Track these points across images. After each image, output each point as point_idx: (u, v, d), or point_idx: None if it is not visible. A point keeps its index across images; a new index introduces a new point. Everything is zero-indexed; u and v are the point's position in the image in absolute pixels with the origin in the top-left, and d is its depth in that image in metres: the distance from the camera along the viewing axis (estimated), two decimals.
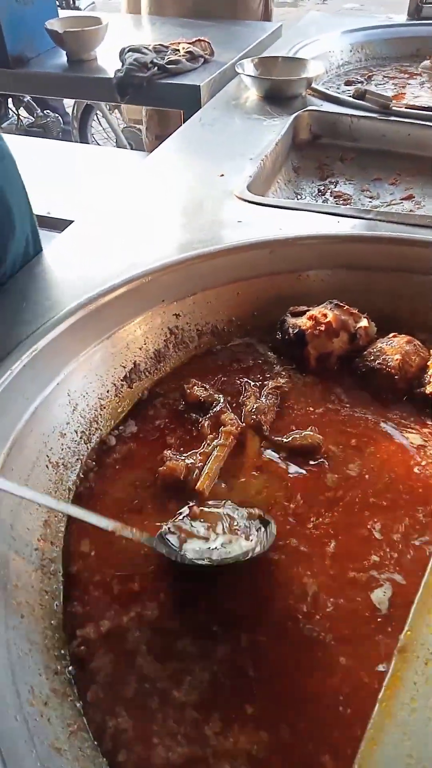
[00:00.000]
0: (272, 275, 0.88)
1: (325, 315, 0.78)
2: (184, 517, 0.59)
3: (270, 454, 0.69)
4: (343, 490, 0.64)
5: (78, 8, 3.53)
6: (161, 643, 0.52)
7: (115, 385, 0.75)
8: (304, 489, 0.64)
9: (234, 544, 0.55)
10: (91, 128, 3.25)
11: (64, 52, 1.75)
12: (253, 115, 1.35)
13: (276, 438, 0.70)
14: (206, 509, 0.60)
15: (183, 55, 1.64)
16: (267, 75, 1.46)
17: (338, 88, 1.61)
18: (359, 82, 1.66)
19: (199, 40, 1.70)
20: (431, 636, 0.39)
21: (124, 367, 0.77)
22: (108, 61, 1.73)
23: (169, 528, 0.57)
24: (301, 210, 0.98)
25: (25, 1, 1.70)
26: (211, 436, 0.70)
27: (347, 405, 0.75)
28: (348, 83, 1.66)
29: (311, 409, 0.75)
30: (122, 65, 1.61)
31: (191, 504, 0.60)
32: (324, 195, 1.22)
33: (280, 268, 0.88)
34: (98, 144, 3.44)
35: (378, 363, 0.76)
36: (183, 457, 0.67)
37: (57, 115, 3.47)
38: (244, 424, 0.70)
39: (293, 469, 0.67)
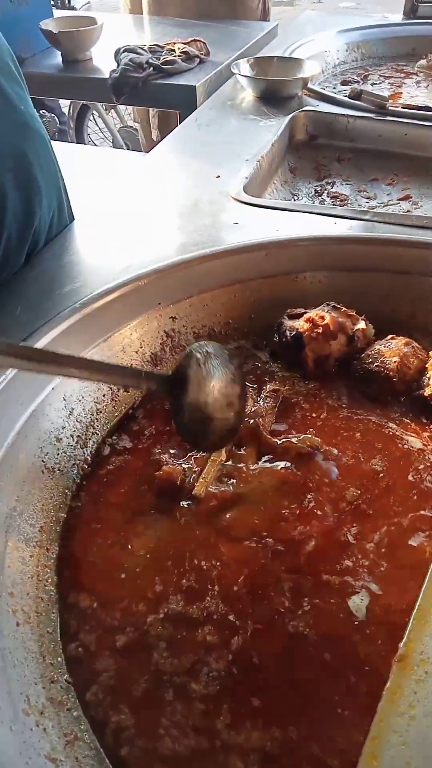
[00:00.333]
0: (269, 277, 0.87)
1: (322, 317, 0.77)
2: None
3: (272, 459, 0.68)
4: (336, 493, 0.64)
5: (73, 8, 3.52)
6: (162, 640, 0.52)
7: (111, 389, 0.75)
8: (300, 495, 0.64)
9: None
10: (87, 128, 3.24)
11: (59, 53, 1.75)
12: (249, 116, 1.35)
13: (274, 440, 0.69)
14: None
15: (178, 56, 1.63)
16: (263, 75, 1.45)
17: (334, 88, 1.61)
18: (355, 82, 1.66)
19: (195, 40, 1.70)
20: (429, 645, 0.39)
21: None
22: (103, 61, 1.72)
23: None
24: (297, 211, 0.97)
25: (19, 1, 1.69)
26: None
27: (345, 407, 0.75)
28: (344, 83, 1.65)
29: (309, 412, 0.74)
30: (117, 65, 1.61)
31: None
32: (321, 196, 1.22)
33: (276, 270, 0.88)
34: (95, 144, 3.44)
35: (376, 365, 0.75)
36: (179, 462, 0.67)
37: (53, 115, 3.46)
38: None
39: (291, 473, 0.66)
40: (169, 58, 1.62)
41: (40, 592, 0.56)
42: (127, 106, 2.57)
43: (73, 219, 0.99)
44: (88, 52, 1.74)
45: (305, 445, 0.68)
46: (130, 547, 0.60)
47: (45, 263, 0.88)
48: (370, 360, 0.77)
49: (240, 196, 1.01)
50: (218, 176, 1.08)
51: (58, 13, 1.98)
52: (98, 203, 1.04)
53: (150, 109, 2.04)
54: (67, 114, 3.23)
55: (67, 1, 3.62)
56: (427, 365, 0.76)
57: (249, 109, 1.38)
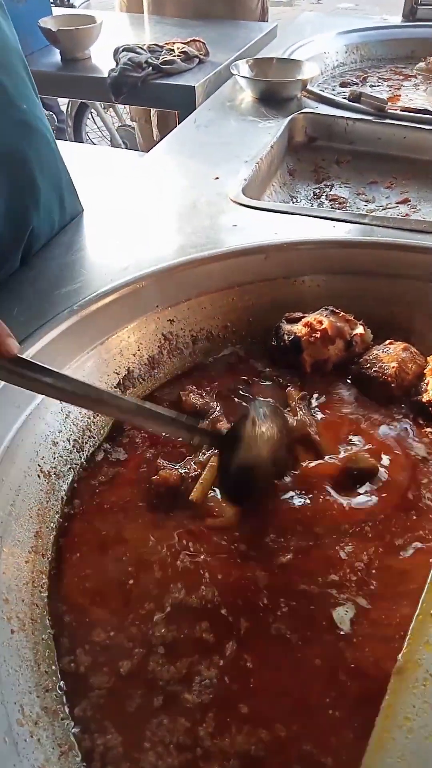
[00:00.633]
0: (267, 281, 0.87)
1: (320, 322, 0.77)
2: None
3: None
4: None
5: (72, 6, 3.50)
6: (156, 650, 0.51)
7: None
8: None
9: None
10: (85, 127, 3.23)
11: (58, 51, 1.73)
12: (248, 117, 1.34)
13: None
14: None
15: (178, 55, 1.62)
16: (262, 76, 1.45)
17: (333, 90, 1.61)
18: (354, 84, 1.66)
19: (194, 40, 1.69)
20: (429, 656, 0.38)
21: (118, 374, 0.76)
22: (102, 60, 1.71)
23: None
24: (296, 214, 0.97)
25: None
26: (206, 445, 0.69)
27: (343, 413, 0.75)
28: (343, 85, 1.65)
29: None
30: (116, 65, 1.60)
31: None
32: (319, 198, 1.21)
33: (275, 273, 0.87)
34: (93, 143, 3.42)
35: (374, 371, 0.75)
36: (177, 467, 0.66)
37: (51, 113, 3.44)
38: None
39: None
40: (169, 57, 1.62)
41: (35, 599, 0.55)
42: (126, 105, 2.55)
43: (83, 209, 0.99)
44: (87, 50, 1.73)
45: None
46: (125, 552, 0.60)
47: (44, 263, 0.87)
48: (368, 365, 0.77)
49: (239, 198, 1.01)
50: (217, 178, 1.08)
51: (57, 11, 1.97)
52: (96, 203, 1.03)
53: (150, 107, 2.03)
54: (65, 112, 3.21)
55: None
56: (425, 371, 0.76)
57: (248, 110, 1.38)
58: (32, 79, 0.88)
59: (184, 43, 1.68)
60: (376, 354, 0.77)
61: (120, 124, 3.17)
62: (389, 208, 1.18)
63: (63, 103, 3.39)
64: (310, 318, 0.78)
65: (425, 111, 1.37)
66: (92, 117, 3.26)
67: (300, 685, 0.48)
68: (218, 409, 0.73)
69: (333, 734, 0.44)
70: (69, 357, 0.71)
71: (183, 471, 0.66)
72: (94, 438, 0.71)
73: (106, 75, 1.61)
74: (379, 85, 1.68)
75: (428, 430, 0.71)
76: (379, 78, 1.73)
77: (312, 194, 1.23)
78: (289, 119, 1.31)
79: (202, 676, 0.50)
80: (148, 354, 0.80)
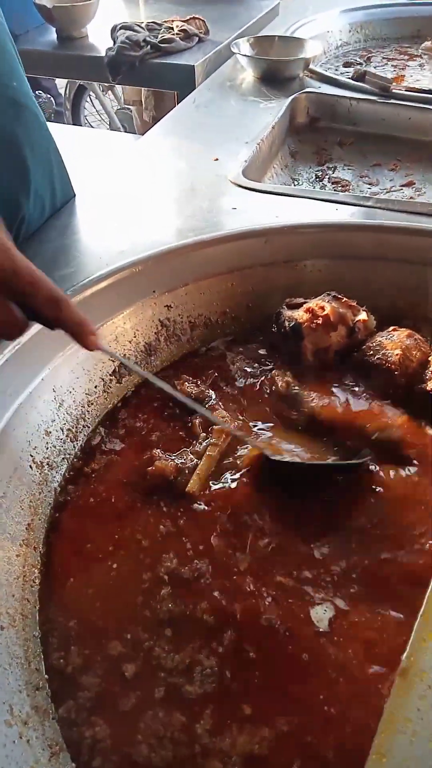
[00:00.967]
0: (268, 265, 0.84)
1: (322, 308, 0.75)
2: None
3: None
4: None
5: None
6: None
7: (103, 380, 0.72)
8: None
9: None
10: (84, 110, 3.17)
11: (54, 29, 1.69)
12: (249, 97, 1.31)
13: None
14: None
15: (177, 34, 1.58)
16: (263, 55, 1.41)
17: (336, 70, 1.57)
18: (358, 64, 1.61)
19: (194, 18, 1.64)
20: None
21: (113, 362, 0.74)
22: (100, 38, 1.67)
23: None
24: (298, 197, 0.94)
25: None
26: (203, 434, 0.67)
27: (345, 402, 0.72)
28: (347, 65, 1.61)
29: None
30: (114, 43, 1.55)
31: None
32: (322, 181, 1.18)
33: (275, 257, 0.85)
34: (91, 126, 3.36)
35: (377, 358, 0.73)
36: (173, 457, 0.64)
37: (49, 96, 3.38)
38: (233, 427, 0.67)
39: None
40: (167, 36, 1.57)
41: (26, 594, 0.53)
42: (122, 88, 2.50)
43: (74, 195, 0.95)
44: (84, 28, 1.69)
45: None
46: (120, 546, 0.58)
47: (37, 247, 0.85)
48: (371, 352, 0.74)
49: (238, 180, 0.98)
50: (216, 159, 1.04)
51: None
52: (92, 186, 1.00)
53: (143, 90, 1.98)
54: (63, 95, 3.15)
55: None
56: (429, 359, 0.74)
57: (249, 91, 1.34)
58: (19, 57, 0.84)
59: (183, 21, 1.63)
60: (380, 341, 0.74)
61: (119, 107, 3.11)
62: (393, 191, 1.14)
63: (61, 86, 3.33)
64: (312, 304, 0.76)
65: (430, 91, 1.33)
66: (91, 100, 3.20)
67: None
68: (214, 397, 0.71)
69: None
70: (62, 344, 0.69)
71: (179, 462, 0.64)
72: (89, 427, 0.69)
73: (103, 54, 1.56)
74: (383, 65, 1.63)
75: None
76: (384, 58, 1.69)
77: (314, 177, 1.20)
78: (291, 99, 1.27)
79: (203, 666, 0.49)
80: (145, 341, 0.77)
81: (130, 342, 0.76)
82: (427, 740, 0.37)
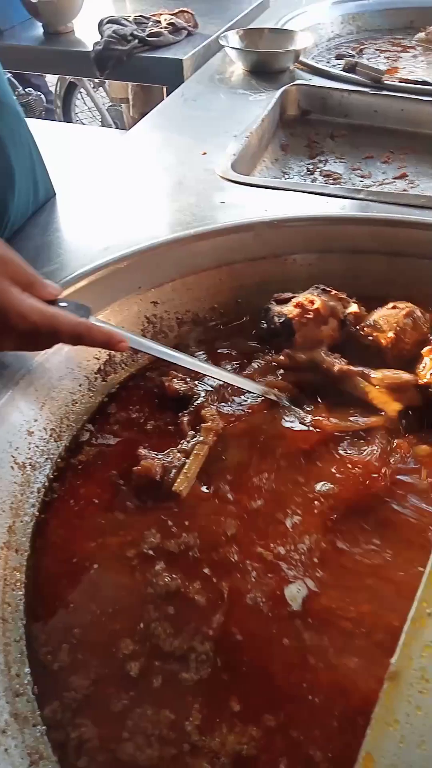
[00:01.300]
0: (257, 260, 0.83)
1: (312, 301, 0.73)
2: None
3: None
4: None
5: None
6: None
7: (88, 378, 0.71)
8: None
9: None
10: (75, 107, 3.14)
11: (40, 24, 1.67)
12: (238, 90, 1.29)
13: None
14: None
15: (165, 27, 1.56)
16: (253, 47, 1.39)
17: (328, 62, 1.55)
18: (350, 56, 1.59)
19: (182, 11, 1.62)
20: (424, 661, 0.35)
21: (98, 359, 0.72)
22: (87, 33, 1.65)
23: None
24: (287, 190, 0.92)
25: None
26: (191, 432, 0.66)
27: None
28: (339, 57, 1.58)
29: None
30: (101, 38, 1.53)
31: None
32: (313, 174, 1.16)
33: (265, 252, 0.83)
34: (83, 123, 3.34)
35: (370, 339, 0.71)
36: (159, 456, 0.63)
37: (40, 93, 3.35)
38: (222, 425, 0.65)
39: None
40: (155, 29, 1.55)
41: (7, 597, 0.52)
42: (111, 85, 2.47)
43: (54, 194, 0.93)
44: (70, 23, 1.67)
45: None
46: (106, 549, 0.56)
47: (20, 243, 0.83)
48: (365, 331, 0.72)
49: (227, 173, 0.96)
50: (204, 153, 1.03)
51: None
52: (77, 182, 0.98)
53: (129, 86, 1.96)
54: (54, 92, 3.12)
55: None
56: (423, 351, 0.72)
57: (238, 83, 1.32)
58: None
59: (171, 14, 1.61)
60: (375, 319, 0.72)
61: (111, 104, 3.09)
62: (386, 184, 1.13)
63: (51, 83, 3.30)
64: (301, 298, 0.74)
65: (424, 82, 1.31)
66: (82, 97, 3.17)
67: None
68: (203, 394, 0.69)
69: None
70: None
71: (166, 460, 0.62)
72: (73, 426, 0.68)
73: (90, 49, 1.54)
74: (376, 57, 1.61)
75: None
76: (376, 50, 1.67)
77: (305, 170, 1.18)
78: (281, 92, 1.25)
79: (197, 652, 0.48)
80: None
81: None
82: (416, 745, 0.35)
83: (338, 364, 0.70)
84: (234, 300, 0.82)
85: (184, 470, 0.61)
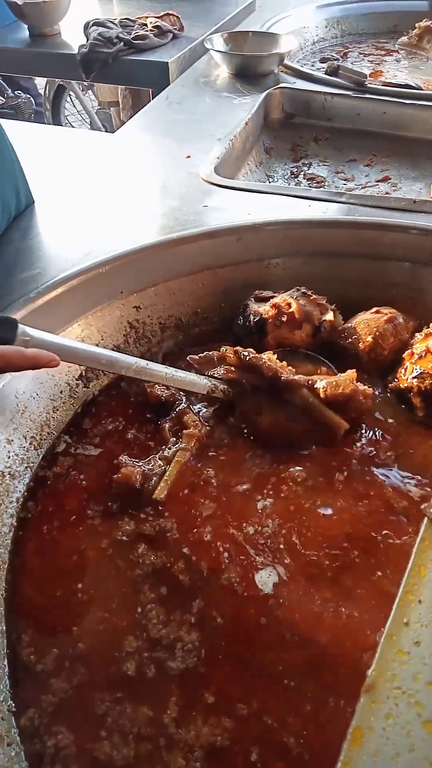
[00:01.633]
0: (240, 264, 0.83)
1: (288, 304, 0.73)
2: None
3: None
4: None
5: None
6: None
7: (69, 384, 0.70)
8: None
9: None
10: (64, 110, 3.13)
11: (26, 27, 1.66)
12: (223, 93, 1.29)
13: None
14: None
15: (150, 30, 1.55)
16: (237, 50, 1.39)
17: (313, 65, 1.55)
18: (335, 59, 1.60)
19: (168, 14, 1.62)
20: (400, 672, 0.35)
21: (80, 365, 0.71)
22: (72, 36, 1.64)
23: None
24: (270, 193, 0.92)
25: None
26: (172, 440, 0.65)
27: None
28: (323, 60, 1.59)
29: None
30: (86, 40, 1.52)
31: None
32: (297, 177, 1.16)
33: (248, 256, 0.83)
34: (72, 126, 3.32)
35: (348, 342, 0.71)
36: (140, 463, 0.62)
37: (29, 96, 3.33)
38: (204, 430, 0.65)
39: None
40: (141, 32, 1.55)
41: None
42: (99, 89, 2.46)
43: (33, 201, 0.92)
44: (56, 25, 1.66)
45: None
46: (85, 557, 0.56)
47: (2, 248, 0.82)
48: (345, 334, 0.73)
49: (211, 177, 0.96)
50: (188, 156, 1.02)
51: None
52: (59, 186, 0.98)
53: (119, 89, 1.96)
54: (43, 95, 3.11)
55: None
56: (404, 355, 0.72)
57: (223, 87, 1.32)
58: None
59: (157, 17, 1.61)
60: (355, 323, 0.72)
61: (99, 107, 3.08)
62: (369, 187, 1.13)
63: (41, 85, 3.28)
64: (279, 299, 0.74)
65: (406, 86, 1.32)
66: (71, 100, 3.16)
67: None
68: (184, 400, 0.69)
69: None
70: None
71: (146, 468, 0.62)
72: (53, 434, 0.67)
73: (76, 51, 1.53)
74: (360, 61, 1.62)
75: None
76: (360, 53, 1.67)
77: (289, 173, 1.18)
78: (265, 95, 1.25)
79: (183, 642, 0.49)
80: (113, 343, 0.75)
81: (97, 344, 0.74)
82: (390, 758, 0.35)
83: (286, 374, 0.64)
84: (217, 304, 0.82)
85: (165, 477, 0.61)
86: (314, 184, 1.13)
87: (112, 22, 1.58)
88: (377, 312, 0.75)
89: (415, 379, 0.67)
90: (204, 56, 1.48)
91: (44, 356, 0.54)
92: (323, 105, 1.27)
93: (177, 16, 1.64)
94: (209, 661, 0.47)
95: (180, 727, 0.44)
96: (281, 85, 1.29)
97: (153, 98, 1.32)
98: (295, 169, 1.18)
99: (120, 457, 0.62)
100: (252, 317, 0.73)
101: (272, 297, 0.75)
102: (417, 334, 0.74)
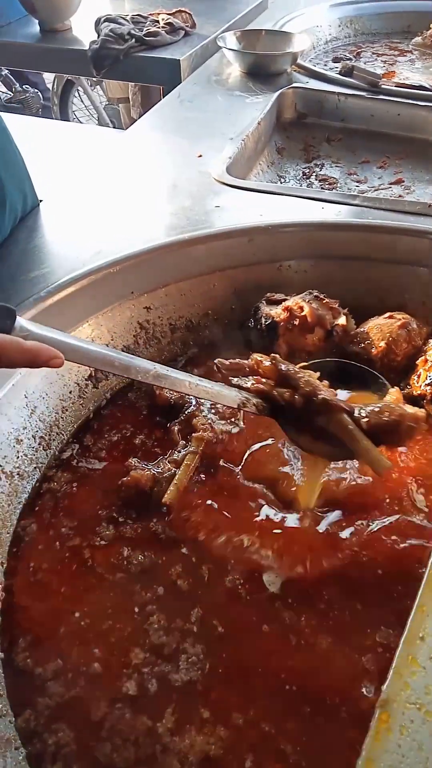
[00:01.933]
0: (251, 265, 0.82)
1: (301, 308, 0.72)
2: None
3: None
4: None
5: None
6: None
7: (78, 385, 0.70)
8: None
9: None
10: (72, 105, 3.12)
11: (37, 21, 1.65)
12: (235, 92, 1.28)
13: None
14: None
15: (162, 27, 1.54)
16: (250, 49, 1.38)
17: (326, 65, 1.54)
18: (347, 59, 1.58)
19: (180, 11, 1.61)
20: (416, 686, 0.34)
21: (89, 366, 0.71)
22: (83, 31, 1.63)
23: None
24: (283, 195, 0.91)
25: None
26: (182, 443, 0.65)
27: None
28: (336, 60, 1.58)
29: None
30: (98, 36, 1.51)
31: None
32: (309, 178, 1.15)
33: (259, 257, 0.82)
34: (80, 122, 3.31)
35: (361, 347, 0.70)
36: (149, 466, 0.62)
37: (37, 91, 3.32)
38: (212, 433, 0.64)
39: None
40: (153, 29, 1.53)
41: None
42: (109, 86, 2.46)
43: (39, 203, 0.91)
44: (68, 21, 1.65)
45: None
46: (92, 562, 0.55)
47: (10, 247, 0.82)
48: (357, 339, 0.72)
49: (223, 177, 0.95)
50: (200, 155, 1.02)
51: None
52: (69, 184, 0.97)
53: (129, 86, 1.95)
54: (51, 90, 3.10)
55: None
56: (417, 361, 0.71)
57: (235, 85, 1.31)
58: None
59: (169, 14, 1.59)
60: (368, 328, 0.72)
61: (108, 103, 3.07)
62: (382, 189, 1.12)
63: (49, 80, 3.28)
64: (291, 302, 0.73)
65: (421, 87, 1.31)
66: (79, 95, 3.15)
67: None
68: (194, 402, 0.68)
69: None
70: None
71: (156, 471, 0.61)
72: (63, 435, 0.66)
73: (87, 47, 1.52)
74: (373, 61, 1.61)
75: None
76: (373, 53, 1.66)
77: (301, 174, 1.17)
78: (278, 94, 1.24)
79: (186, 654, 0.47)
80: (123, 343, 0.75)
81: (107, 345, 0.73)
82: None
83: (323, 393, 0.54)
84: (229, 306, 0.81)
85: (174, 481, 0.60)
86: (327, 186, 1.12)
87: (123, 18, 1.57)
88: (390, 317, 0.74)
89: (429, 387, 0.67)
90: (216, 54, 1.47)
91: (45, 352, 0.46)
92: (336, 105, 1.26)
93: (189, 13, 1.63)
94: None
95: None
96: (294, 84, 1.28)
97: (164, 96, 1.31)
98: (308, 170, 1.17)
99: (129, 460, 0.62)
100: (263, 320, 0.72)
101: (284, 300, 0.74)
102: (430, 341, 0.73)
